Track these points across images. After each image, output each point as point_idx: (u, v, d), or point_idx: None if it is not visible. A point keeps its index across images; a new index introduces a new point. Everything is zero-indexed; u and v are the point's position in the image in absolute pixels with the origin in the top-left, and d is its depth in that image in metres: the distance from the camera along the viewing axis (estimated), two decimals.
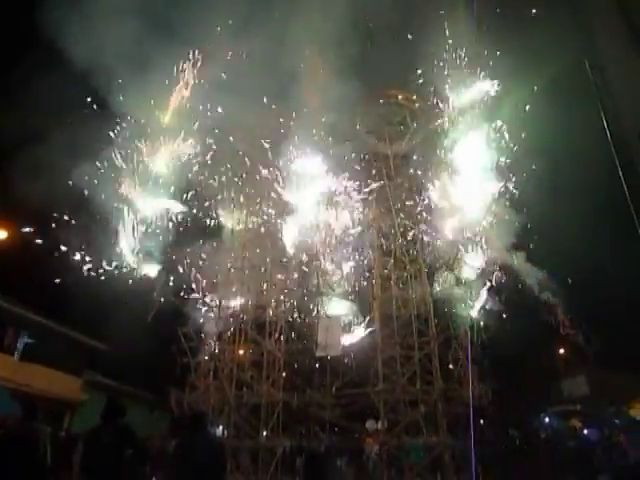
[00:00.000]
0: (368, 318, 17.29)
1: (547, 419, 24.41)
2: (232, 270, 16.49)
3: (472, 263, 15.54)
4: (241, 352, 17.08)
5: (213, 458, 5.39)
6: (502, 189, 14.81)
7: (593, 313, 17.22)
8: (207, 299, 16.15)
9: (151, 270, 14.31)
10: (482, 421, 19.19)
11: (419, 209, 16.47)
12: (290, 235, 15.33)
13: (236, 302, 16.65)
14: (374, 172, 17.04)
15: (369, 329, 17.04)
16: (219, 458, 5.63)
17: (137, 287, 13.96)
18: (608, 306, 15.49)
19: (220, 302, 16.32)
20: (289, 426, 17.37)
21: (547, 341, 18.90)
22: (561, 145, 14.12)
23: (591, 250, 14.09)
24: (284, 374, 16.92)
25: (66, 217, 12.68)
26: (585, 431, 21.08)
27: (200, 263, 15.80)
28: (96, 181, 13.33)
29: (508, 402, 18.11)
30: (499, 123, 14.38)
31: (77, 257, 13.73)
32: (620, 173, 3.42)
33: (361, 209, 16.05)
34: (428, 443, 15.85)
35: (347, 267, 16.62)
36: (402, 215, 16.76)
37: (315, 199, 15.00)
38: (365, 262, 17.58)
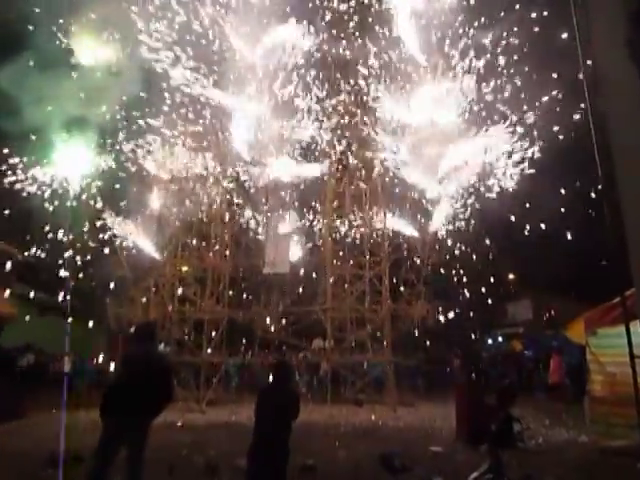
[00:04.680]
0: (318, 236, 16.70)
1: (490, 340, 25.41)
2: (173, 179, 15.19)
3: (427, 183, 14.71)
4: (185, 268, 16.26)
5: (162, 369, 5.02)
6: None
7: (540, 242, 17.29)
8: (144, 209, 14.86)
9: (80, 170, 12.53)
10: (428, 341, 19.52)
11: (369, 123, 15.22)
12: (236, 142, 14.04)
13: (179, 214, 15.49)
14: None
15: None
16: (167, 370, 5.20)
17: (64, 191, 12.40)
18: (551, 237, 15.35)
19: (159, 213, 15.15)
20: (233, 343, 17.04)
21: (495, 265, 18.87)
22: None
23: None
24: (230, 292, 16.29)
25: None
26: (525, 352, 22.10)
27: (136, 166, 14.22)
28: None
29: (455, 323, 18.29)
30: None
31: None
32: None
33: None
34: (374, 360, 15.89)
35: (298, 181, 15.60)
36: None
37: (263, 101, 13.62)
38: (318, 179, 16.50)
